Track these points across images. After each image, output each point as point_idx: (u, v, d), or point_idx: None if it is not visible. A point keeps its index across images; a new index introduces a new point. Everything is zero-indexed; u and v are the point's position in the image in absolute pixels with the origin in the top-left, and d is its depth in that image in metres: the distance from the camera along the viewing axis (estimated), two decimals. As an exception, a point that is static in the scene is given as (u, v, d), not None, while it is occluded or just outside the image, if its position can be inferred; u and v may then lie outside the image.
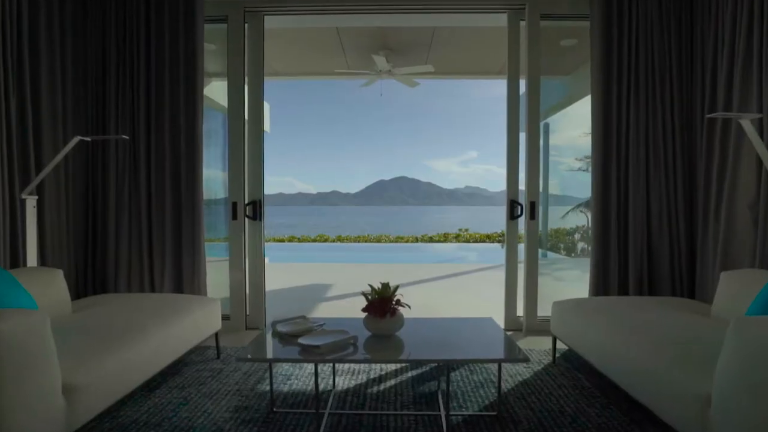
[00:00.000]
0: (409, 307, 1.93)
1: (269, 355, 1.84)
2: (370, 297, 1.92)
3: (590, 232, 3.04)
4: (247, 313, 3.32)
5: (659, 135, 2.91)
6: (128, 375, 1.72)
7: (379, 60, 4.76)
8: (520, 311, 3.30)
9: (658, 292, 2.93)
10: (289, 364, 2.41)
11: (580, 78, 4.00)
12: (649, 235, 2.95)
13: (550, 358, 2.60)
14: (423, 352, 1.80)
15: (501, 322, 3.36)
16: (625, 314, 2.13)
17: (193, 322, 2.28)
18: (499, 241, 14.73)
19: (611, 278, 2.95)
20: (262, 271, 3.36)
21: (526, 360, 1.64)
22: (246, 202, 3.27)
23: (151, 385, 2.18)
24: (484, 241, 14.64)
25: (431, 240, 14.84)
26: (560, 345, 2.54)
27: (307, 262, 8.85)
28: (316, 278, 6.11)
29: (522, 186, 3.25)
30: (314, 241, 14.35)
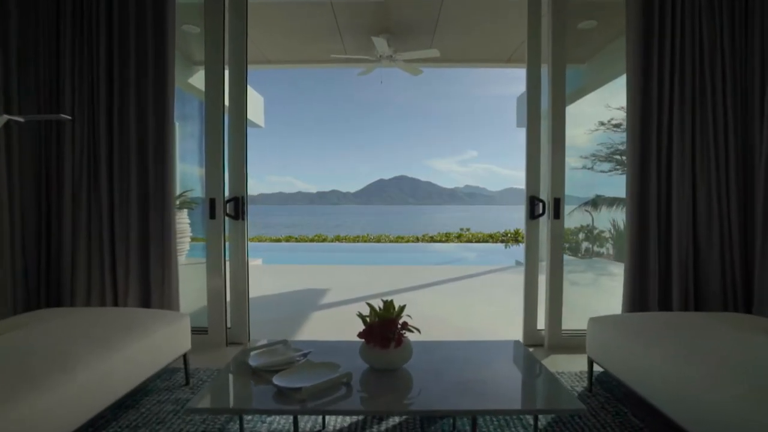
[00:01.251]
0: (419, 331, 1.51)
1: (232, 401, 1.41)
2: (368, 319, 1.50)
3: (626, 237, 2.61)
4: (229, 325, 2.90)
5: (708, 122, 2.48)
6: (48, 425, 1.29)
7: (379, 43, 4.32)
8: (540, 323, 2.87)
9: (707, 306, 2.49)
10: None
11: (595, 67, 3.59)
12: (695, 240, 2.52)
13: (585, 383, 2.18)
14: (440, 396, 1.36)
15: (519, 335, 2.95)
16: (689, 336, 1.70)
17: (151, 344, 1.85)
18: (502, 241, 14.31)
19: (650, 291, 2.52)
20: (245, 277, 2.93)
21: (581, 411, 1.21)
22: (226, 198, 2.83)
23: (96, 425, 1.76)
24: (486, 242, 14.21)
25: (432, 240, 14.40)
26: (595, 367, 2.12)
27: (303, 264, 8.43)
28: (311, 282, 5.68)
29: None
30: (312, 240, 13.90)
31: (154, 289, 2.57)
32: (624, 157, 2.86)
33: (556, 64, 2.73)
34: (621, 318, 2.15)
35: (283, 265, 7.52)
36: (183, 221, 8.07)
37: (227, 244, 2.91)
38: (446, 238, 14.62)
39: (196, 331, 2.84)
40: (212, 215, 2.80)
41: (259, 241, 13.81)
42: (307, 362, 1.48)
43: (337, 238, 14.23)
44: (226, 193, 2.84)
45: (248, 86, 2.90)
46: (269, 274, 6.45)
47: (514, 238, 14.60)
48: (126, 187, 2.56)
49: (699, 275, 2.52)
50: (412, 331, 1.50)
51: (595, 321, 2.10)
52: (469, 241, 14.35)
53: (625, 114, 2.68)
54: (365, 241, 13.93)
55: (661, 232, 2.54)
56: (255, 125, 8.97)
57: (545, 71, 2.79)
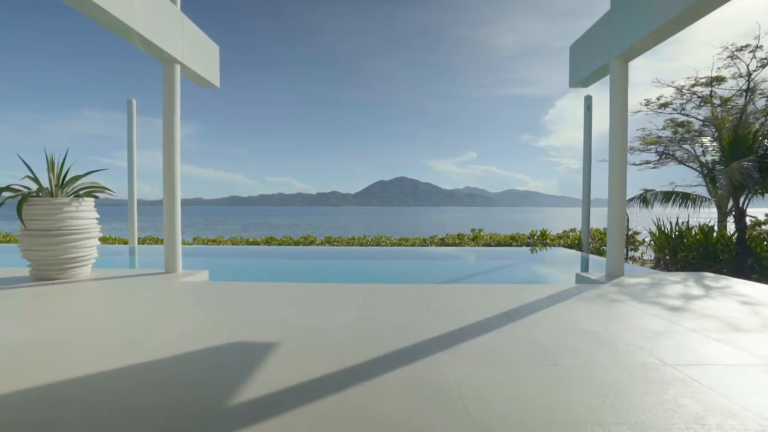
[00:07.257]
0: None
1: None
2: None
3: None
4: None
5: None
6: None
7: None
8: None
9: None
10: None
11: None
12: None
13: None
14: None
15: None
16: None
17: None
18: (527, 244, 11.85)
19: None
20: None
21: None
22: None
23: None
24: (509, 245, 11.73)
25: (443, 242, 11.91)
26: None
27: (268, 280, 6.01)
28: (253, 326, 3.22)
29: None
30: (296, 243, 11.40)
31: None
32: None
33: None
34: None
35: (235, 283, 5.07)
36: (87, 214, 5.40)
37: None
38: (459, 240, 12.14)
39: None
40: None
41: (233, 243, 11.34)
42: None
43: (328, 240, 11.72)
44: None
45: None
46: (197, 302, 3.98)
47: (541, 240, 12.12)
48: None
49: None
50: None
51: None
52: (488, 243, 11.87)
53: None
54: (361, 244, 11.42)
55: None
56: (207, 83, 6.53)
57: None
